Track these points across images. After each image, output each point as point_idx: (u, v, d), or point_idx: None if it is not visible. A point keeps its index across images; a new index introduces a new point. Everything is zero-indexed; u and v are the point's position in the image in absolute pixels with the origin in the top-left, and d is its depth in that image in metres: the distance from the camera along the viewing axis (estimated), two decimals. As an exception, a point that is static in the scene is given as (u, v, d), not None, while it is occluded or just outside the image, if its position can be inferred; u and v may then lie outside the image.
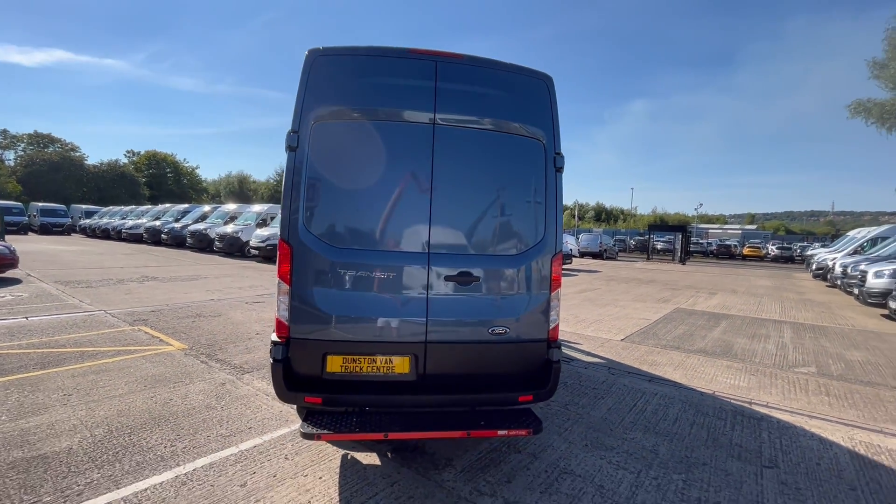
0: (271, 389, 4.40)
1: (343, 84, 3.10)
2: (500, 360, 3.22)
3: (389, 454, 3.34)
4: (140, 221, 27.68)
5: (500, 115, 3.24)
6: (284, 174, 3.09)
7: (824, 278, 18.55)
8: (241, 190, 74.56)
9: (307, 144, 3.02)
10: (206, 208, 25.73)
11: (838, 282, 14.98)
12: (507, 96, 3.27)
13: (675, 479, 3.16)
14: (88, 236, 32.64)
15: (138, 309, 8.05)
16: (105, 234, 30.39)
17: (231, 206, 24.15)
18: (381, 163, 3.13)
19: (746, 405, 4.66)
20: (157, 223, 25.78)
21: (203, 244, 21.57)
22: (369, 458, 3.27)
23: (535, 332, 3.26)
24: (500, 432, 2.85)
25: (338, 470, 3.10)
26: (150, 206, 32.84)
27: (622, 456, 3.48)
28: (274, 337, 3.08)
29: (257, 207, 22.19)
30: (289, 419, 3.85)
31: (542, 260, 3.28)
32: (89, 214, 36.52)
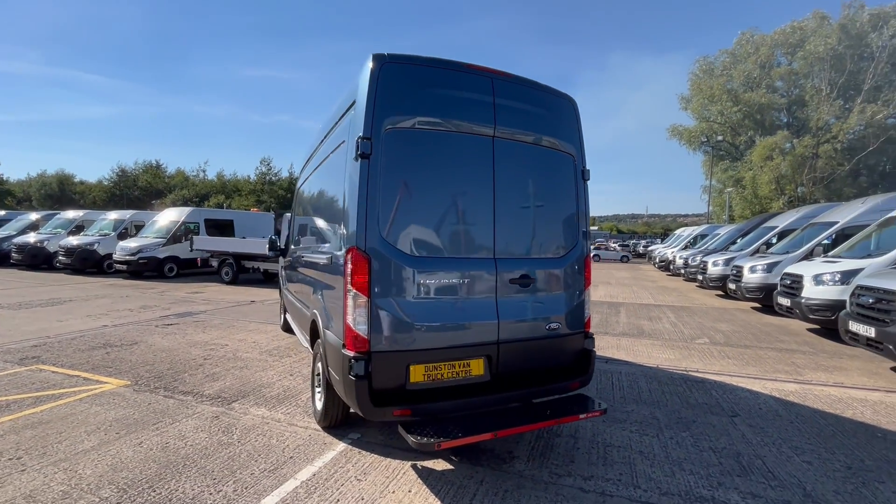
0: (278, 415, 4.06)
1: (414, 92, 3.10)
2: (553, 352, 3.55)
3: (454, 457, 3.41)
4: (-76, 234, 20.93)
5: (542, 132, 3.57)
6: (356, 182, 2.96)
7: (666, 269, 22.90)
8: (63, 193, 60.92)
9: (381, 152, 2.96)
10: (35, 216, 20.69)
11: (681, 271, 18.71)
12: (547, 114, 3.62)
13: (685, 436, 3.86)
14: None
15: (12, 345, 6.32)
16: None
17: (74, 214, 19.83)
18: (451, 172, 3.22)
19: (685, 372, 5.75)
20: (-44, 236, 19.85)
21: (38, 260, 17.35)
22: (439, 465, 3.29)
23: (577, 325, 3.66)
24: (581, 416, 3.18)
25: (420, 480, 3.07)
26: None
27: (636, 425, 4.08)
28: (348, 352, 2.94)
29: (115, 215, 18.70)
30: (326, 442, 3.60)
31: (579, 260, 3.70)
32: None
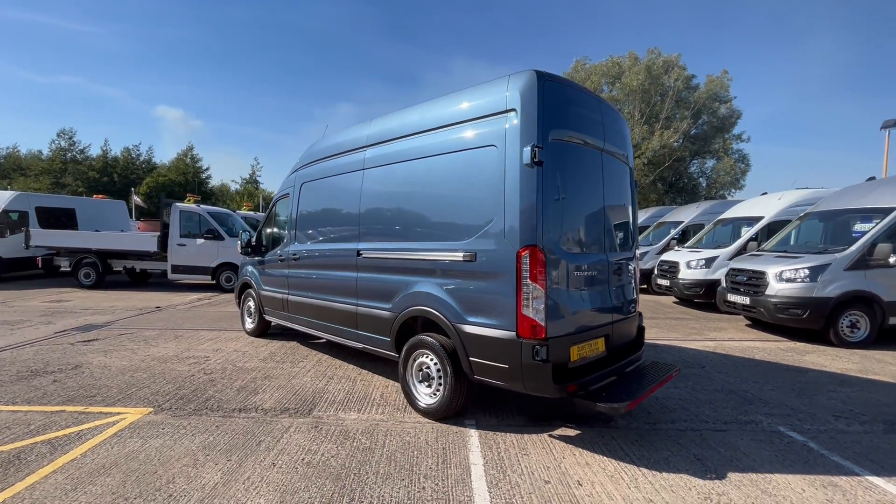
0: (377, 416, 4.09)
1: (564, 108, 3.53)
2: (630, 329, 4.38)
3: (569, 424, 3.96)
4: None
5: (621, 147, 4.34)
6: (532, 186, 3.27)
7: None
8: None
9: (548, 160, 3.32)
10: None
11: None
12: (621, 132, 4.40)
13: (692, 384, 5.12)
14: None
15: None
16: None
17: None
18: (584, 180, 3.77)
19: (638, 341, 7.26)
20: None
21: None
22: (568, 432, 3.81)
23: (636, 306, 4.56)
24: (674, 375, 4.04)
25: (573, 446, 3.55)
26: None
27: (655, 382, 5.20)
28: (527, 340, 3.26)
29: None
30: (455, 431, 3.76)
31: (636, 252, 4.60)
32: None
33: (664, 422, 4.05)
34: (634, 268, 4.49)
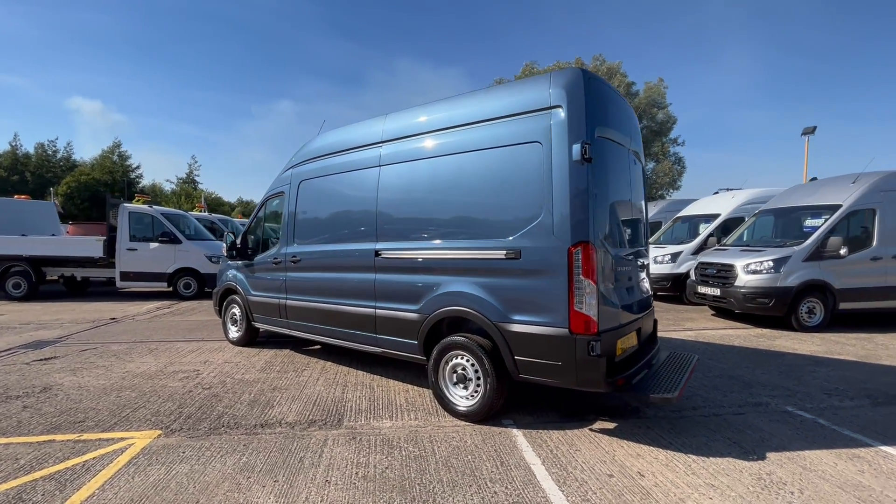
0: (411, 422, 3.96)
1: (605, 107, 3.59)
2: (651, 322, 4.53)
3: (604, 417, 4.02)
4: None
5: (638, 146, 4.48)
6: (583, 183, 3.28)
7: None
8: None
9: (594, 157, 3.35)
10: None
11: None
12: (638, 131, 4.54)
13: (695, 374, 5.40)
14: None
15: None
16: None
17: None
18: (618, 177, 3.84)
19: (625, 333, 7.57)
20: None
21: None
22: (608, 424, 3.87)
23: (652, 300, 4.74)
24: (696, 363, 4.22)
25: (617, 438, 3.60)
26: None
27: (660, 371, 5.43)
28: (581, 336, 3.27)
29: None
30: (499, 432, 3.69)
31: (648, 247, 4.78)
32: None
33: (687, 409, 4.23)
34: (647, 262, 4.66)
